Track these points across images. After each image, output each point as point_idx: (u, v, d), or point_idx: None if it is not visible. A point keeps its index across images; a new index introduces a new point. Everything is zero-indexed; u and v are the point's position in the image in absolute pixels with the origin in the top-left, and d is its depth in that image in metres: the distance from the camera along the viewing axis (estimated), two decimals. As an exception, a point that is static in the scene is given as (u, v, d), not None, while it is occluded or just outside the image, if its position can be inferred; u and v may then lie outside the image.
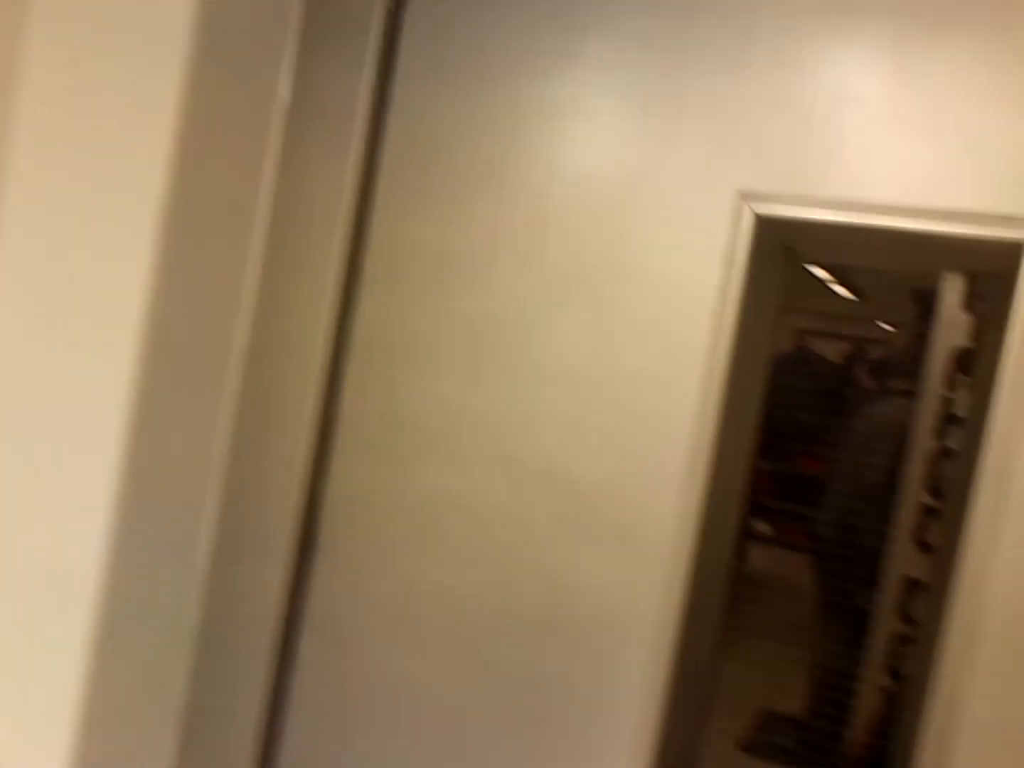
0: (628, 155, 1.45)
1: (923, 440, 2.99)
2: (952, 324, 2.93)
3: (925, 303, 3.03)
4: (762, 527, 4.69)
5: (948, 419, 2.95)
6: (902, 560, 2.79)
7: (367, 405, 1.58)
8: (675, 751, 1.41)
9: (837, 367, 5.15)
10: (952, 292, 2.94)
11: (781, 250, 1.43)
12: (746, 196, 1.37)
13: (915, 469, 2.93)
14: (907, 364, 3.22)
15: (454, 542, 1.49)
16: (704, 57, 1.42)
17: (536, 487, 1.45)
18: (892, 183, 1.31)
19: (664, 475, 1.37)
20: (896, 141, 1.32)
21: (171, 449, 1.29)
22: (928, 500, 2.79)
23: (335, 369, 1.57)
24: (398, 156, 1.61)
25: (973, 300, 2.66)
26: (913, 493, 2.88)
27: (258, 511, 1.54)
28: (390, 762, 1.51)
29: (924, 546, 2.74)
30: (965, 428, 2.62)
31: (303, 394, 1.57)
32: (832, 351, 5.33)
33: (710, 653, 1.46)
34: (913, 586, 2.73)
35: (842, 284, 5.05)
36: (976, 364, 2.48)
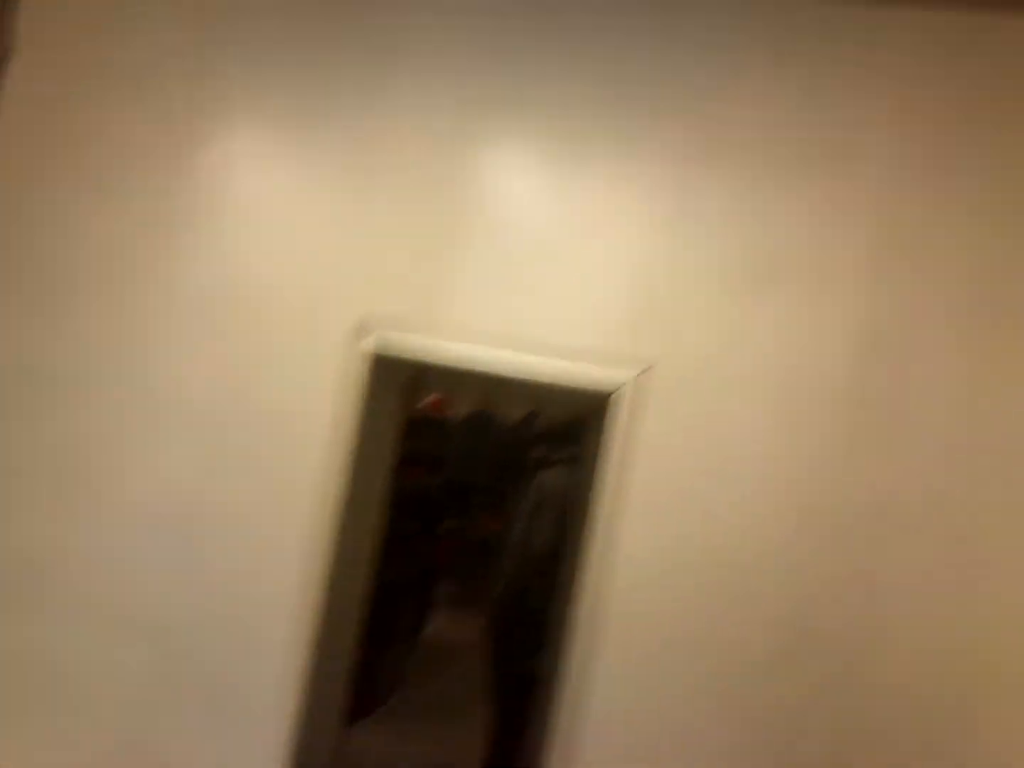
0: (246, 277, 1.39)
1: (583, 509, 3.13)
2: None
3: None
4: (451, 586, 4.72)
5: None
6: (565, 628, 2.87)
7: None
8: None
9: (514, 431, 5.35)
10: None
11: (400, 382, 1.43)
12: (363, 329, 1.36)
13: (574, 538, 3.04)
14: (570, 433, 3.38)
15: (41, 704, 1.33)
16: (331, 176, 1.39)
17: (128, 638, 1.33)
18: (504, 328, 1.35)
19: (269, 618, 1.30)
20: (511, 285, 1.36)
21: None
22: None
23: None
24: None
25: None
26: (575, 562, 3.01)
27: None
28: None
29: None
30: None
31: None
32: (511, 415, 5.53)
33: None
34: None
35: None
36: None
